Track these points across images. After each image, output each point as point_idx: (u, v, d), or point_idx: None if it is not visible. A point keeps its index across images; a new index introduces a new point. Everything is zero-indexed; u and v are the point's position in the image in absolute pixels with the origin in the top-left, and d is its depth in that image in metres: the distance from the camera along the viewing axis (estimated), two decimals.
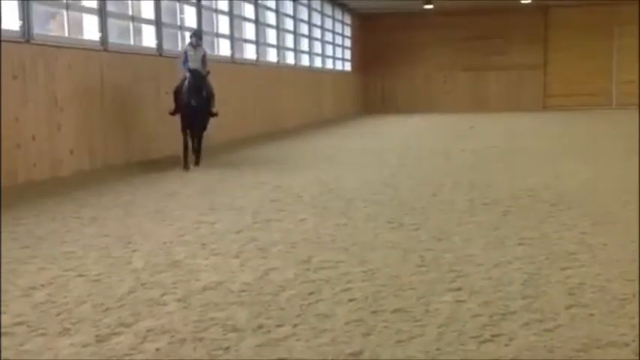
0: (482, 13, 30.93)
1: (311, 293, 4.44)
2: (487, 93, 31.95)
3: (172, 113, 11.37)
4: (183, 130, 11.20)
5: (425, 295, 4.33)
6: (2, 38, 8.89)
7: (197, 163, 11.34)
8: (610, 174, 9.73)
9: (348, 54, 30.16)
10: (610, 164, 10.86)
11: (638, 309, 3.97)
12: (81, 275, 4.96)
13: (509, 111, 29.83)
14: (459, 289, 4.45)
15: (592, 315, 3.92)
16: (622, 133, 17.22)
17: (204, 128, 11.54)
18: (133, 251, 5.69)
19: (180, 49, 13.17)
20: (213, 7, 16.84)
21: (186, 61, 11.33)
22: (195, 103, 10.81)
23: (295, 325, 3.85)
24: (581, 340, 3.54)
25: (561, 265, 4.97)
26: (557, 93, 31.60)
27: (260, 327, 3.83)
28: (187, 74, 11.07)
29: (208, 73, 11.29)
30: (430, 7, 28.23)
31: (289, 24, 21.96)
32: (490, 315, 3.93)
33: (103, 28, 11.49)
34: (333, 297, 4.37)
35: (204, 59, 11.61)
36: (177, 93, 11.27)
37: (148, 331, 3.79)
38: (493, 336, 3.62)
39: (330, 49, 27.30)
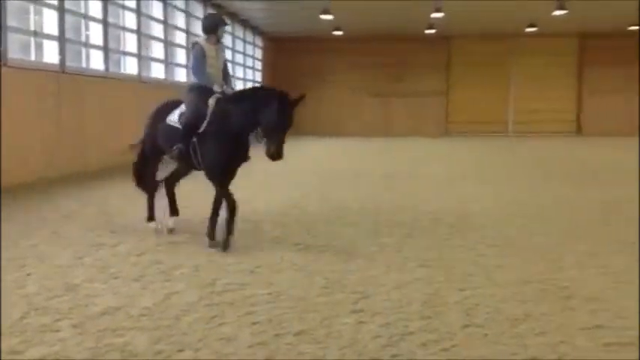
0: (389, 41, 31.86)
1: (214, 317, 4.39)
2: (393, 118, 32.82)
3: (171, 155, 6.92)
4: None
5: (328, 317, 4.36)
6: None
7: (231, 231, 6.52)
8: (508, 198, 10.16)
9: (259, 76, 30.23)
10: (508, 189, 11.33)
11: (532, 327, 4.16)
12: None
13: (413, 135, 30.75)
14: (362, 310, 4.52)
15: (486, 335, 4.07)
16: (518, 160, 18.05)
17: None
18: (27, 275, 5.45)
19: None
20: (120, 24, 16.52)
21: (202, 68, 6.84)
22: (238, 151, 6.63)
23: (197, 350, 3.79)
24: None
25: (459, 286, 5.13)
26: (457, 119, 32.89)
27: (160, 352, 3.74)
28: (213, 98, 6.64)
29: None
30: (340, 33, 28.81)
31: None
32: (390, 336, 4.00)
33: (3, 42, 11.03)
34: (237, 320, 4.33)
35: (225, 68, 7.20)
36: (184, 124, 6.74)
37: (39, 359, 3.63)
38: (392, 356, 3.69)
39: (241, 71, 27.28)
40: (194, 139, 6.60)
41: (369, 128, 32.25)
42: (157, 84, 17.66)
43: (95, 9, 14.89)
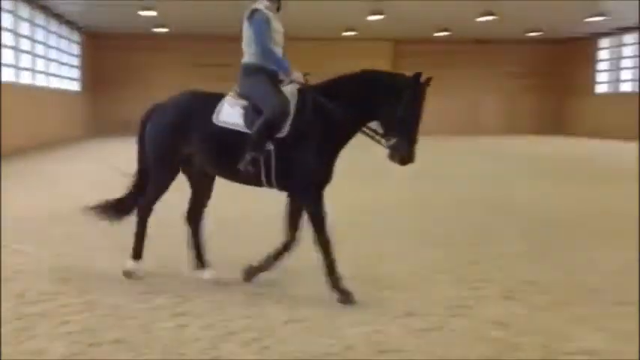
0: (218, 40, 31.65)
1: (25, 329, 4.11)
2: None
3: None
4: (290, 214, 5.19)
5: (147, 323, 4.25)
6: None
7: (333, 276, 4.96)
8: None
9: (75, 73, 28.70)
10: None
11: (350, 319, 4.33)
12: None
13: None
14: (183, 314, 4.45)
15: (307, 328, 4.18)
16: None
17: None
18: None
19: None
20: None
21: (271, 45, 5.19)
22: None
23: None
24: (295, 354, 3.75)
25: (282, 282, 5.21)
26: None
27: None
28: (291, 88, 5.07)
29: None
30: (165, 30, 28.15)
31: (8, 39, 20.27)
32: (211, 338, 3.99)
33: None
34: (50, 331, 4.09)
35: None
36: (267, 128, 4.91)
37: None
38: (213, 358, 3.68)
39: (55, 68, 25.73)
40: (270, 146, 4.86)
41: None
42: None
43: None
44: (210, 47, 32.00)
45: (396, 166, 4.90)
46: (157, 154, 5.30)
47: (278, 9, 5.37)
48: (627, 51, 30.79)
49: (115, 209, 5.59)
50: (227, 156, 4.98)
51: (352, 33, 29.28)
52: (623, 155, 19.91)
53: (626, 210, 9.09)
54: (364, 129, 4.89)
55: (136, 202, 5.52)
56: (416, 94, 4.68)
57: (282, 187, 5.00)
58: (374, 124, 4.88)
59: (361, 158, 12.92)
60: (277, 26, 5.25)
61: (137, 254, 5.48)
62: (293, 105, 4.91)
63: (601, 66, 32.03)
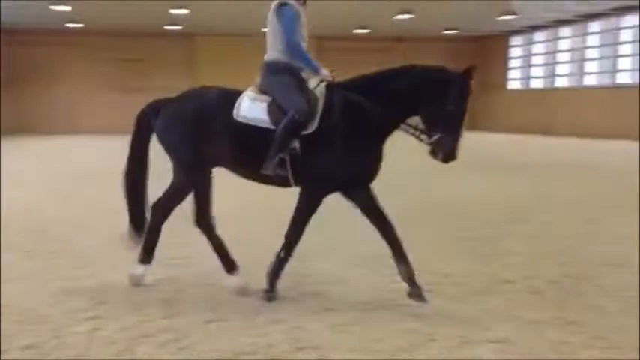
0: (128, 36, 30.91)
1: None
2: (133, 115, 31.76)
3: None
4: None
5: (60, 327, 4.12)
6: None
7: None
8: None
9: None
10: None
11: (270, 317, 4.33)
12: None
13: None
14: (98, 317, 4.33)
15: (228, 328, 4.15)
16: None
17: None
18: None
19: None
20: None
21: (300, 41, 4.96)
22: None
23: None
24: (213, 354, 3.72)
25: (203, 281, 5.15)
26: None
27: None
28: (315, 84, 4.88)
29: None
30: (75, 25, 27.26)
31: None
32: (127, 340, 3.90)
33: None
34: None
35: None
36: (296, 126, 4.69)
37: None
38: None
39: None
40: (296, 145, 4.64)
41: (107, 125, 30.81)
42: None
43: None
44: (124, 43, 31.27)
45: None
46: (180, 153, 4.94)
47: (304, 1, 5.06)
48: (537, 48, 32.05)
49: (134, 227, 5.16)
50: (251, 154, 4.74)
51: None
52: (534, 148, 20.73)
53: (533, 198, 9.48)
54: (403, 125, 4.72)
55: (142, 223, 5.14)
56: (463, 88, 4.52)
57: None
58: (411, 121, 4.73)
59: None
60: (304, 21, 5.00)
61: (148, 259, 5.08)
62: (321, 103, 4.71)
63: (513, 63, 33.22)
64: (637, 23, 25.65)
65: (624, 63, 26.45)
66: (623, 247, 6.54)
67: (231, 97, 4.90)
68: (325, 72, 4.78)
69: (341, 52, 33.67)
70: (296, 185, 4.77)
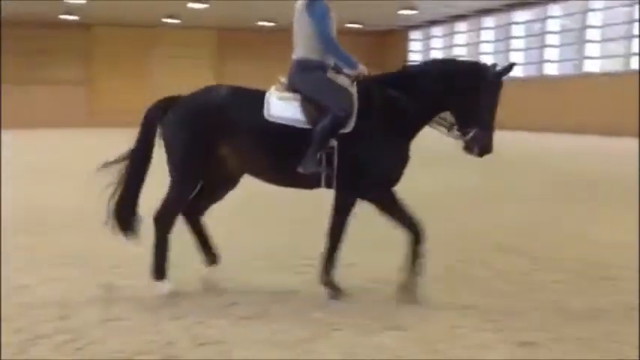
0: (26, 26, 29.53)
1: None
2: (33, 107, 30.54)
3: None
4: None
5: None
6: None
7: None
8: None
9: None
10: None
11: (170, 313, 4.25)
12: None
13: (56, 127, 29.01)
14: None
15: (127, 327, 4.05)
16: None
17: None
18: None
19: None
20: None
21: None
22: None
23: None
24: (111, 354, 3.63)
25: (97, 281, 4.99)
26: (101, 110, 31.89)
27: None
28: (347, 81, 4.75)
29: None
30: None
31: None
32: (19, 342, 3.74)
33: None
34: None
35: None
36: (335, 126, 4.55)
37: None
38: None
39: None
40: (334, 143, 4.52)
41: (4, 118, 29.46)
42: None
43: None
44: (19, 33, 29.86)
45: None
46: (186, 155, 4.62)
47: None
48: (436, 42, 33.05)
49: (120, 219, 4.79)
50: (281, 155, 4.56)
51: (175, 21, 28.63)
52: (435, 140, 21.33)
53: (435, 189, 9.77)
54: (436, 120, 4.68)
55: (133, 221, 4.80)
56: (496, 81, 4.50)
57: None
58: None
59: None
60: (333, 16, 4.84)
61: (161, 274, 4.69)
62: (356, 100, 4.59)
63: (413, 57, 34.09)
64: (529, 18, 26.92)
65: (517, 57, 27.66)
66: (515, 233, 6.86)
67: (253, 95, 4.72)
68: (362, 67, 4.68)
69: (243, 44, 33.52)
70: (327, 186, 4.63)
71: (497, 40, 29.09)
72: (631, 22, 23.64)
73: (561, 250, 6.20)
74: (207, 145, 4.58)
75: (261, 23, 30.55)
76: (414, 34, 34.19)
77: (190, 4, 23.40)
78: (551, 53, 27.06)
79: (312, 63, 4.74)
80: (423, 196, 9.28)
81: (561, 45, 26.89)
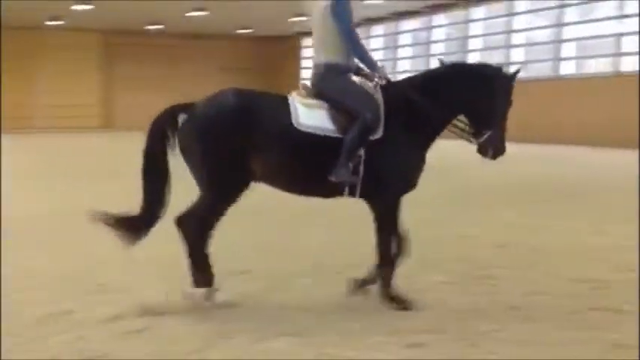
0: None
1: None
2: None
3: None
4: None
5: None
6: None
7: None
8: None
9: None
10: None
11: (54, 329, 4.05)
12: None
13: None
14: None
15: (6, 343, 3.83)
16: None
17: None
18: None
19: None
20: None
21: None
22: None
23: None
24: None
25: (17, 286, 4.78)
26: None
27: None
28: (371, 87, 4.62)
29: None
30: None
31: None
32: None
33: None
34: None
35: None
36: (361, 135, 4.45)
37: None
38: None
39: None
40: (361, 152, 4.39)
41: None
42: None
43: None
44: None
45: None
46: (217, 162, 4.33)
47: None
48: None
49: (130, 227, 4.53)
50: (312, 165, 4.42)
51: (58, 22, 27.44)
52: None
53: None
54: (453, 124, 4.70)
55: (149, 223, 4.53)
56: (509, 85, 4.60)
57: (365, 194, 4.54)
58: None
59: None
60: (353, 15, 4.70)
61: (209, 282, 4.48)
62: (381, 105, 4.49)
63: (305, 63, 34.38)
64: (446, 22, 27.47)
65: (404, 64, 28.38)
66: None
67: (276, 101, 4.53)
68: (383, 70, 4.60)
69: (131, 48, 32.59)
70: (350, 194, 4.52)
71: (415, 44, 29.25)
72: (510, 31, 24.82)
73: (443, 251, 6.39)
74: (236, 156, 4.33)
75: (147, 27, 29.87)
76: (307, 41, 34.45)
77: (74, 6, 22.50)
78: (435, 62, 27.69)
79: (341, 67, 4.62)
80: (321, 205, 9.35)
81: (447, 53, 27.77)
